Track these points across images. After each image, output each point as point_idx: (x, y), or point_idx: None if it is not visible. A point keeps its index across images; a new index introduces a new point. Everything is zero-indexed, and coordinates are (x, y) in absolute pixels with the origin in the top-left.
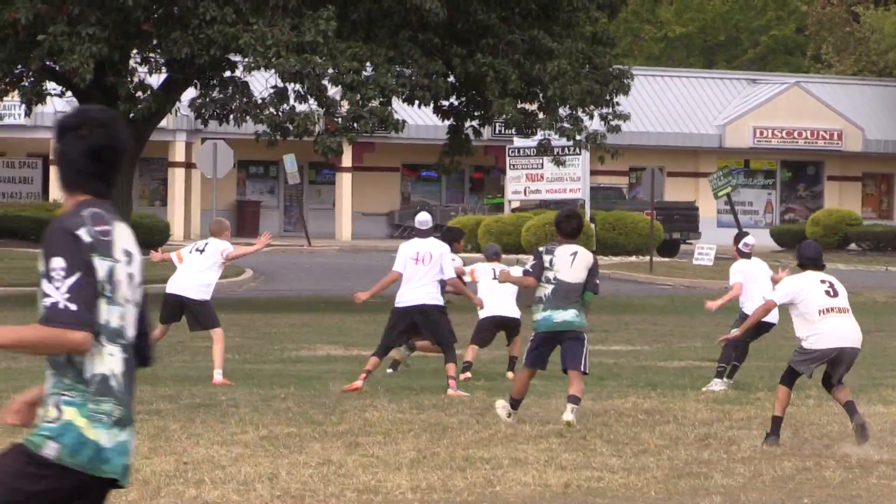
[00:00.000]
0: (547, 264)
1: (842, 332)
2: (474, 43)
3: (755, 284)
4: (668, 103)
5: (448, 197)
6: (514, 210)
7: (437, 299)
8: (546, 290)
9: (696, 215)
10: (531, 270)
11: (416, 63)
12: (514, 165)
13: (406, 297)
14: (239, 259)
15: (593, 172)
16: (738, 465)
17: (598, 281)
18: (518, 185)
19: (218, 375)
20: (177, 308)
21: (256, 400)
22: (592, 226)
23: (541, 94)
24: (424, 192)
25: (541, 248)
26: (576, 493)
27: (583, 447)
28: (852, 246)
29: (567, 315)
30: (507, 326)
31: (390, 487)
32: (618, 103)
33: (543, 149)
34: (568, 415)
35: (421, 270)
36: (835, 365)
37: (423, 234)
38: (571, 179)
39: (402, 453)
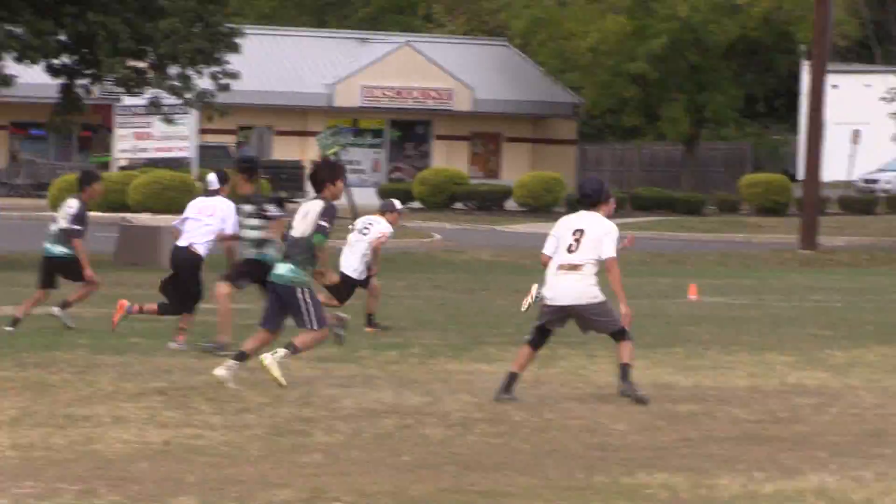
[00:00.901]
0: (287, 227)
1: (564, 289)
2: (86, 1)
3: None
4: (278, 62)
5: (56, 155)
6: (121, 168)
7: (197, 249)
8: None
9: (301, 174)
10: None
11: (26, 23)
12: (122, 124)
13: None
14: None
15: (203, 131)
16: (339, 423)
17: (324, 224)
18: (126, 144)
19: None
20: None
21: None
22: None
23: (152, 53)
24: (33, 150)
25: None
26: (176, 450)
27: (184, 405)
28: (458, 205)
29: (282, 269)
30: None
31: None
32: (228, 62)
33: (154, 107)
34: (266, 357)
35: (197, 223)
36: (579, 325)
37: (210, 193)
38: (179, 138)
39: (3, 411)
